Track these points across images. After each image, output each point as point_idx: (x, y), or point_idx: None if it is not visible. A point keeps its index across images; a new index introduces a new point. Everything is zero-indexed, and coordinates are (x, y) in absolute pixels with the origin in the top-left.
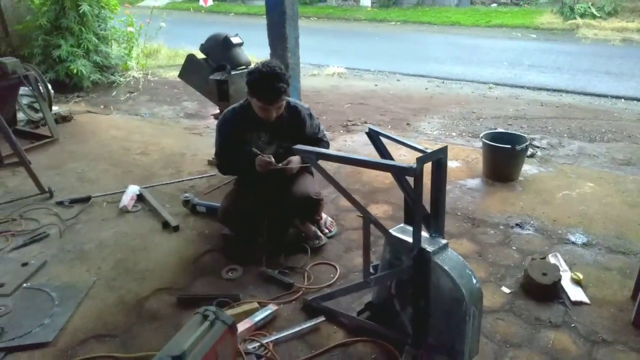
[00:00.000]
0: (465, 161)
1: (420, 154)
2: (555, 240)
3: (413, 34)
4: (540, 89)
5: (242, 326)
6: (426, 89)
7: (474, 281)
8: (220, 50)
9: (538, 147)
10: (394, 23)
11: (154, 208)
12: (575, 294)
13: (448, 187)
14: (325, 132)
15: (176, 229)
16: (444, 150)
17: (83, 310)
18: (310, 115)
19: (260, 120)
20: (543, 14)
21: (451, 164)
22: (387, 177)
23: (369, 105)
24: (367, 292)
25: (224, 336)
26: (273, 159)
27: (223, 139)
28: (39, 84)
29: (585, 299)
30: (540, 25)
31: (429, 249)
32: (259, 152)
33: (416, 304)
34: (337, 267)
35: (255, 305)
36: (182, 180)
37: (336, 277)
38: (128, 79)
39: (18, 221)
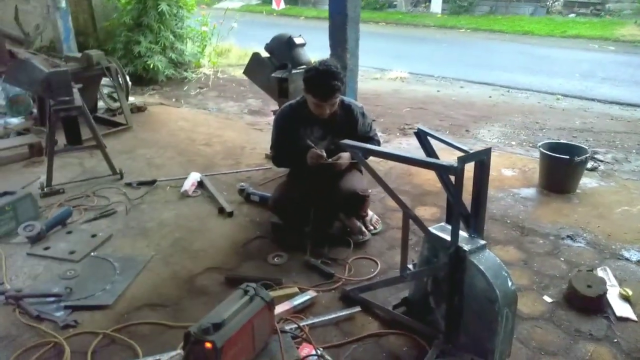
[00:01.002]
0: (521, 170)
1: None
2: (607, 255)
3: (482, 41)
4: (612, 102)
5: (281, 307)
6: (490, 97)
7: (509, 283)
8: (283, 50)
9: (601, 160)
10: (463, 30)
11: (212, 194)
12: (622, 309)
13: (500, 194)
14: (377, 132)
15: (230, 214)
16: (487, 152)
17: (140, 281)
18: (363, 114)
19: (314, 117)
20: (625, 26)
21: (506, 172)
22: (438, 181)
23: (429, 110)
24: (403, 287)
25: (262, 311)
26: (324, 154)
27: (279, 131)
28: (118, 75)
29: (632, 316)
30: (620, 37)
31: (466, 247)
32: (312, 145)
33: (450, 301)
34: (378, 262)
35: (296, 289)
36: (240, 171)
37: (376, 271)
38: (199, 76)
39: (91, 197)
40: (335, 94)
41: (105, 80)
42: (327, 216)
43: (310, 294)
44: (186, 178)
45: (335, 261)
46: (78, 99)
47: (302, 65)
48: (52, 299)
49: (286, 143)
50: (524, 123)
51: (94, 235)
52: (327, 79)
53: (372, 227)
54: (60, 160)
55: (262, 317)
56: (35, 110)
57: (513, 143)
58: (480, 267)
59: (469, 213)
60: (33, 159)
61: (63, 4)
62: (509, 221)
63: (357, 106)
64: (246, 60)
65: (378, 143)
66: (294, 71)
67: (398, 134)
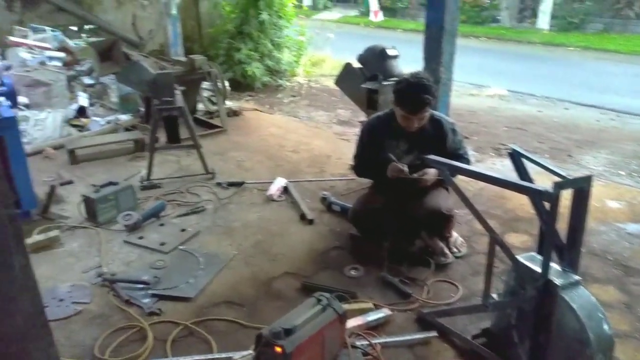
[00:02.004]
0: (629, 203)
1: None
2: None
3: (593, 62)
4: None
5: (353, 322)
6: (597, 120)
7: (606, 327)
8: (375, 61)
9: None
10: (572, 49)
11: (295, 200)
12: None
13: (602, 228)
14: (467, 150)
15: (311, 222)
16: (588, 180)
17: (221, 278)
18: (454, 130)
19: (401, 130)
20: None
21: (611, 204)
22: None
23: (528, 131)
24: (485, 317)
25: (333, 323)
26: (406, 168)
27: (363, 142)
28: (218, 81)
29: None
30: None
31: (557, 281)
32: (393, 158)
33: (535, 338)
34: (459, 287)
35: (370, 305)
36: (324, 180)
37: (457, 297)
38: (293, 84)
39: (184, 194)
40: (425, 108)
41: (205, 84)
42: (409, 233)
43: (384, 312)
44: (272, 182)
45: (414, 281)
46: (180, 100)
47: (393, 77)
48: (141, 286)
49: (369, 154)
50: (636, 151)
51: (183, 230)
52: (418, 92)
53: (455, 250)
54: (160, 156)
55: (333, 329)
56: (142, 109)
57: (622, 173)
58: (573, 304)
59: (563, 244)
60: (137, 154)
61: (174, 11)
62: (610, 258)
63: (447, 121)
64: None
65: (468, 162)
66: (384, 83)
67: (492, 153)
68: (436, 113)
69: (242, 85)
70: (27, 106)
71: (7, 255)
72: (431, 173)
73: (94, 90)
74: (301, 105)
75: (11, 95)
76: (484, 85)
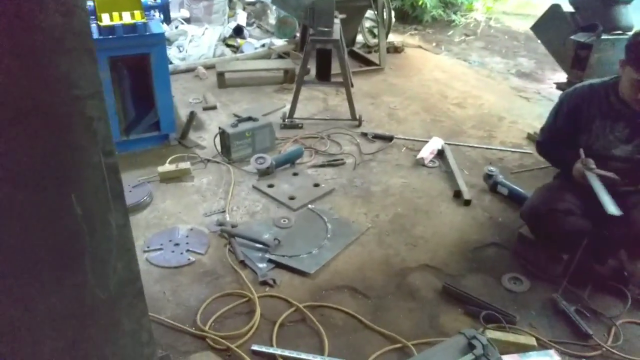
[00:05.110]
0: None
1: None
2: None
3: None
4: None
5: None
6: None
7: None
8: (595, 5)
9: None
10: None
11: (451, 171)
12: None
13: None
14: None
15: (467, 203)
16: None
17: (348, 254)
18: None
19: (621, 109)
20: None
21: None
22: None
23: None
24: None
25: None
26: (613, 175)
27: (559, 115)
28: (384, 9)
29: None
30: None
31: None
32: (583, 155)
33: None
34: None
35: (533, 342)
36: (491, 149)
37: None
38: (468, 21)
39: (325, 141)
40: None
41: (369, 13)
42: (602, 248)
43: (551, 356)
44: (426, 142)
45: (597, 316)
46: (337, 32)
47: (618, 30)
48: (259, 246)
49: (565, 133)
50: None
51: (316, 185)
52: None
53: None
54: (307, 92)
55: None
56: (298, 35)
57: None
58: None
59: None
60: (285, 85)
61: None
62: None
63: None
64: (527, 10)
65: None
66: (604, 36)
67: None
68: None
69: (409, 16)
70: (187, 20)
71: (105, 211)
72: None
73: (253, 9)
74: (474, 47)
75: (165, 10)
76: None
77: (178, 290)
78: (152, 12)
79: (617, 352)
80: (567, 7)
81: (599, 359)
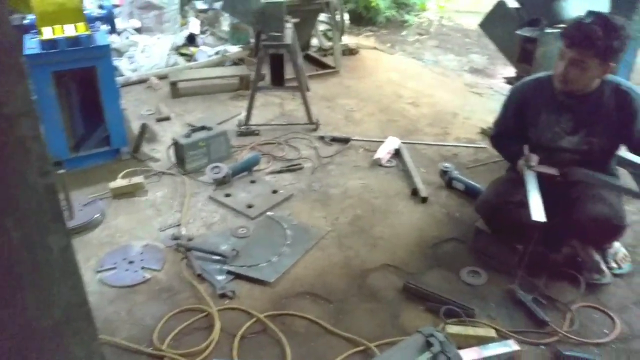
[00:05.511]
0: None
1: None
2: None
3: None
4: None
5: (467, 355)
6: None
7: None
8: (539, 1)
9: None
10: None
11: (408, 169)
12: None
13: None
14: None
15: (424, 200)
16: None
17: (309, 260)
18: None
19: (565, 100)
20: None
21: None
22: None
23: None
24: None
25: None
26: (554, 171)
27: (508, 109)
28: (337, 12)
29: None
30: None
31: None
32: (527, 151)
33: None
34: (616, 320)
35: (493, 333)
36: (447, 145)
37: (612, 335)
38: (421, 20)
39: (282, 146)
40: (593, 44)
41: (323, 16)
42: (555, 236)
43: (510, 345)
44: (383, 142)
45: (553, 303)
46: (289, 36)
47: (561, 23)
48: (217, 258)
49: (515, 128)
50: None
51: (275, 191)
52: (589, 24)
53: (615, 265)
54: (263, 98)
55: None
56: (252, 41)
57: None
58: None
59: None
60: (240, 92)
61: None
62: None
63: (639, 96)
64: (478, 7)
65: None
66: (548, 30)
67: None
68: (625, 83)
69: (363, 18)
70: (138, 30)
71: (44, 234)
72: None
73: (206, 16)
74: (427, 46)
75: (111, 20)
76: None
77: (134, 310)
78: (97, 23)
79: (573, 337)
80: (513, 3)
81: (556, 345)
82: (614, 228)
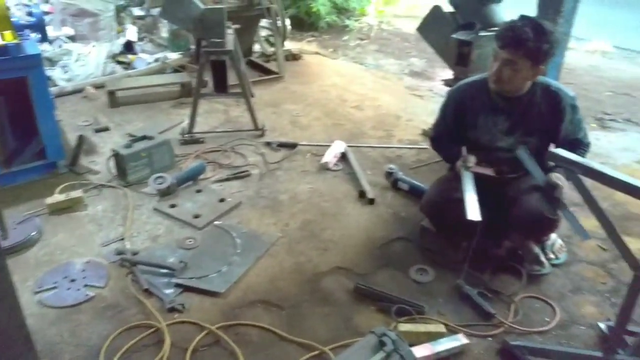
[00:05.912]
0: None
1: None
2: None
3: None
4: None
5: (419, 352)
6: None
7: None
8: (473, 5)
9: None
10: None
11: (355, 172)
12: None
13: None
14: (587, 132)
15: (371, 202)
16: None
17: (260, 268)
18: (574, 107)
19: (501, 103)
20: None
21: None
22: None
23: (638, 98)
24: None
25: None
26: (490, 172)
27: (447, 112)
28: (278, 18)
29: None
30: None
31: None
32: (464, 152)
33: None
34: (556, 309)
35: (442, 328)
36: (390, 147)
37: (553, 323)
38: (362, 25)
39: (228, 153)
40: (523, 45)
41: (264, 22)
42: (496, 232)
43: (459, 339)
44: (329, 146)
45: (498, 295)
46: (231, 42)
47: (494, 27)
48: (164, 271)
49: (454, 130)
50: None
51: (222, 200)
52: (520, 26)
53: (552, 256)
54: (206, 105)
55: None
56: (193, 47)
57: None
58: None
59: None
60: (182, 100)
61: None
62: None
63: (567, 95)
64: (415, 12)
65: (586, 149)
66: (481, 33)
67: (594, 125)
68: (554, 83)
69: (305, 24)
70: (72, 38)
71: None
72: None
73: (144, 22)
74: (369, 51)
75: (41, 28)
76: (583, 38)
77: (77, 330)
78: (26, 31)
79: (518, 327)
80: (448, 8)
81: (502, 336)
82: (548, 221)
